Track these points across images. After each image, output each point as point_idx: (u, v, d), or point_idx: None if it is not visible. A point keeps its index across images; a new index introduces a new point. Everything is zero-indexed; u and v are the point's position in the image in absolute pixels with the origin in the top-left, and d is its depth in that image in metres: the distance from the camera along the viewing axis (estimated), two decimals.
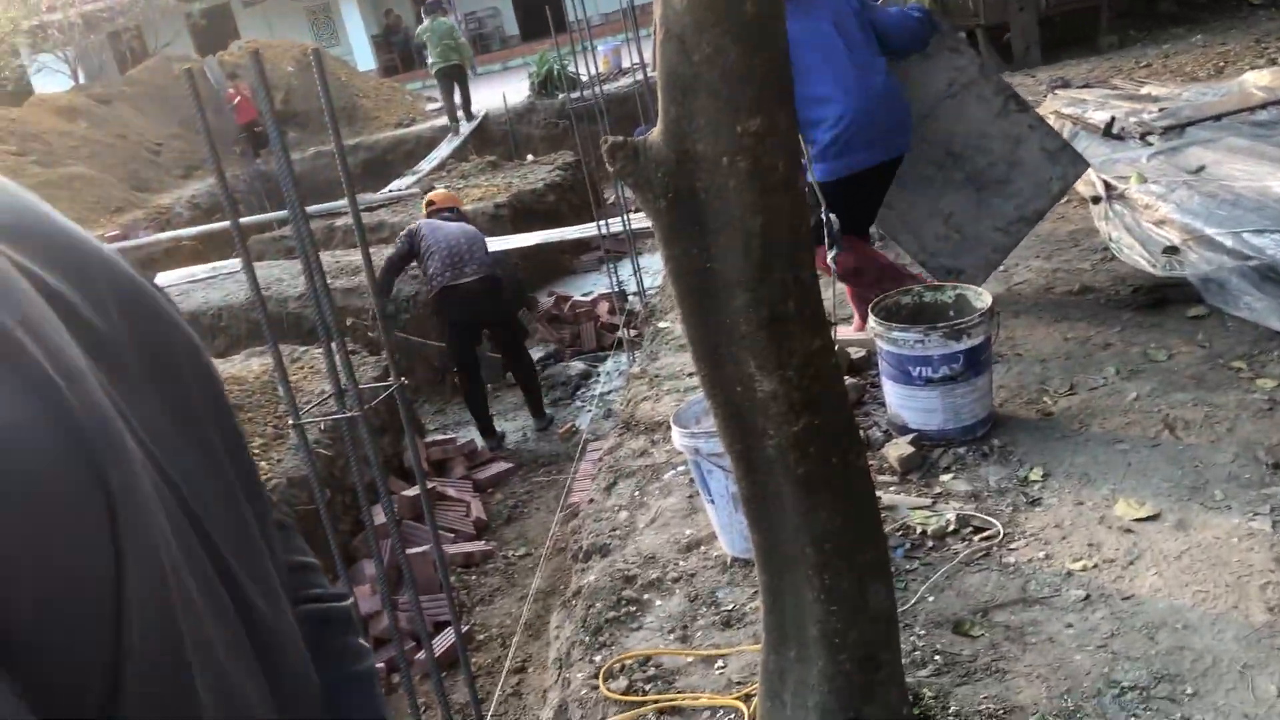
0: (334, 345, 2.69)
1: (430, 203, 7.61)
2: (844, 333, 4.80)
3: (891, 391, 3.85)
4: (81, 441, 0.56)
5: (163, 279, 9.92)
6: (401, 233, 7.36)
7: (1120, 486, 3.27)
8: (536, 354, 8.56)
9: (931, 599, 2.97)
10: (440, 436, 6.99)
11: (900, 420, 3.86)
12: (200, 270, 9.99)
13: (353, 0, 27.82)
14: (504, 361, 7.29)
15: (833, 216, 3.72)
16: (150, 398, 0.69)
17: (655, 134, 2.02)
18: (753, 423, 2.15)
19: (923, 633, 2.84)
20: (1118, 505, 3.17)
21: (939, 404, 3.70)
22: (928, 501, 3.46)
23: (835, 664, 2.25)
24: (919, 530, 3.30)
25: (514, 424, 7.53)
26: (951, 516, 3.30)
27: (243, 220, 11.68)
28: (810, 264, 2.13)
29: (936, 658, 2.72)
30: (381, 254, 8.82)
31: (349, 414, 2.65)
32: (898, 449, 3.71)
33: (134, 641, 0.57)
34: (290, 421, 2.72)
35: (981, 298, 3.80)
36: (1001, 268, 5.26)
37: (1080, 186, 5.99)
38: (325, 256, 10.09)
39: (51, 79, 23.55)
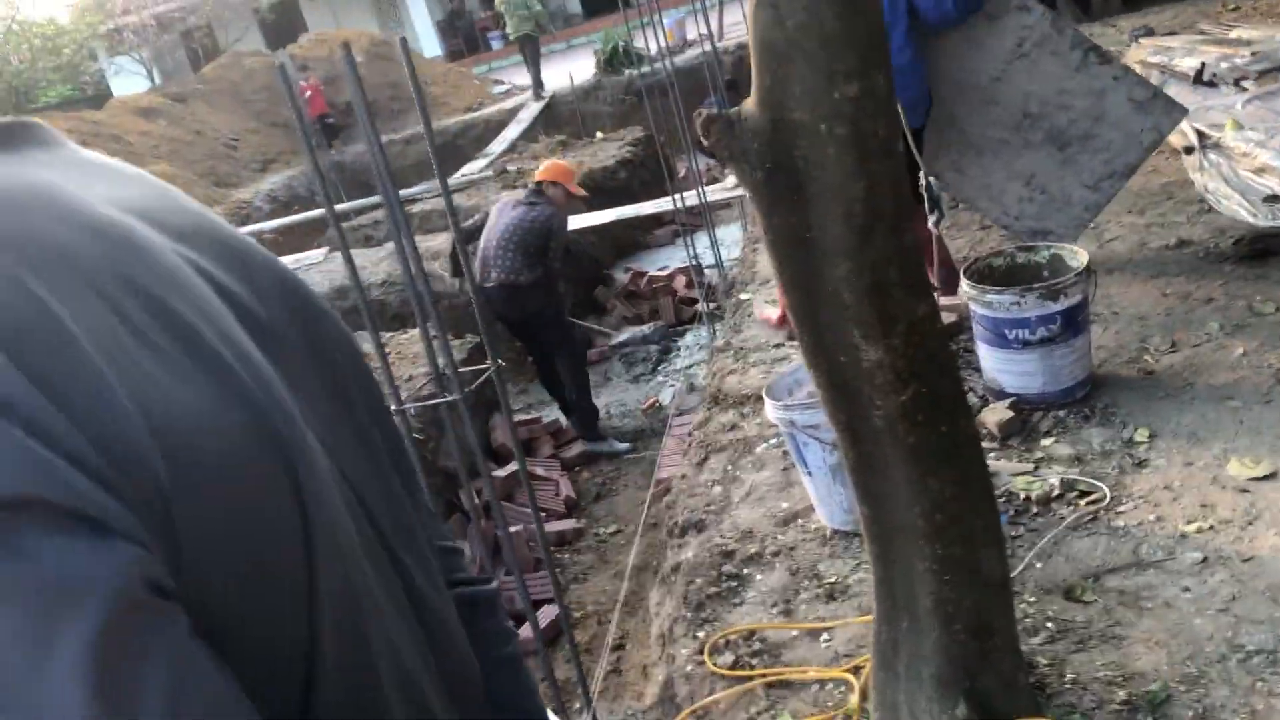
0: (430, 329, 2.71)
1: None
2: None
3: (987, 356, 3.78)
4: (268, 431, 0.58)
5: None
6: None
7: (1232, 445, 3.17)
8: (627, 333, 8.43)
9: (1039, 565, 2.92)
10: (525, 416, 7.04)
11: (997, 385, 3.78)
12: (285, 263, 10.17)
13: None
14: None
15: (932, 180, 3.64)
16: (313, 388, 0.71)
17: (749, 104, 1.99)
18: (858, 393, 2.12)
19: (1033, 600, 2.79)
20: (1230, 464, 3.07)
21: (1037, 366, 3.62)
22: (1029, 466, 3.39)
23: (949, 634, 2.22)
24: (1022, 496, 3.24)
25: (597, 401, 7.54)
26: (1055, 481, 3.23)
27: (322, 211, 11.80)
28: (911, 229, 2.09)
29: (1049, 625, 2.67)
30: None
31: (449, 398, 2.68)
32: (996, 414, 3.64)
33: (326, 623, 0.59)
34: (393, 408, 2.75)
35: (1076, 256, 3.70)
36: (1091, 225, 5.12)
37: (1171, 137, 5.79)
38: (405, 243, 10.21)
39: (129, 80, 24.15)
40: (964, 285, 3.71)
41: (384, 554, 0.71)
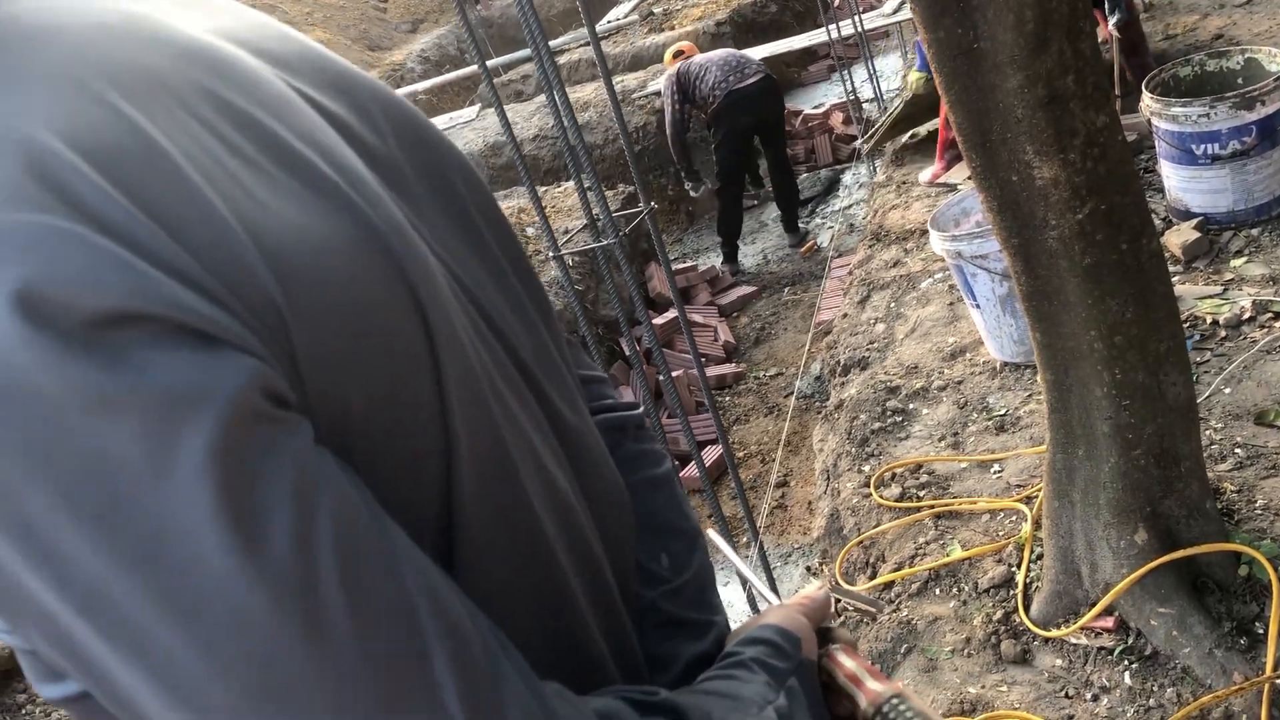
0: (585, 178, 2.70)
1: (680, 52, 7.32)
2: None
3: (1172, 174, 3.54)
4: (381, 247, 0.57)
5: None
6: (663, 89, 7.01)
7: None
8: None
9: (1228, 390, 2.78)
10: (681, 265, 7.03)
11: (1182, 205, 3.55)
12: (438, 122, 10.30)
13: None
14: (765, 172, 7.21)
15: None
16: (432, 212, 0.69)
17: None
18: (1031, 213, 2.02)
19: (1219, 426, 2.67)
20: None
21: (1228, 183, 3.37)
22: (1217, 289, 3.20)
23: (1129, 459, 2.15)
24: (1209, 320, 3.06)
25: (753, 247, 7.47)
26: (1246, 303, 3.04)
27: (472, 69, 11.81)
28: (1091, 32, 1.93)
29: (1238, 451, 2.56)
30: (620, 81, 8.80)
31: (605, 243, 2.68)
32: (1180, 235, 3.43)
33: (459, 427, 0.59)
34: (550, 254, 2.78)
35: (1276, 60, 3.38)
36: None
37: None
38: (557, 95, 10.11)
39: None
40: (1145, 99, 3.46)
41: (519, 376, 0.70)
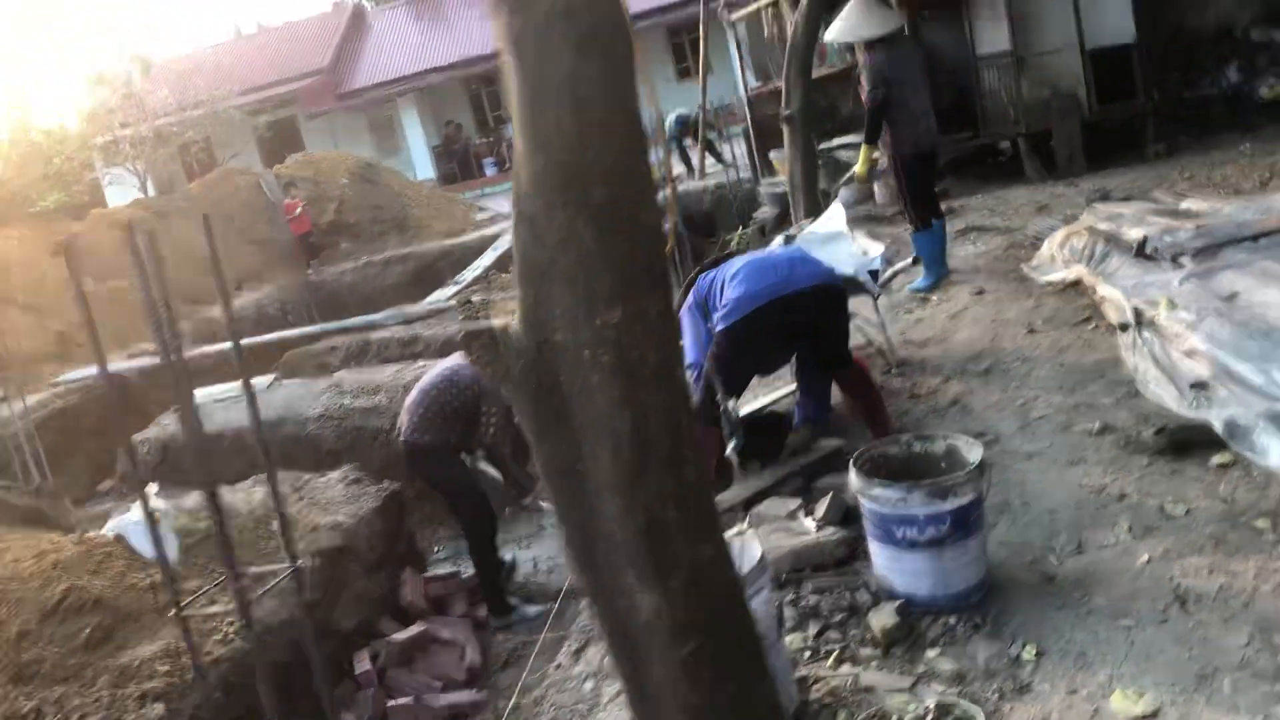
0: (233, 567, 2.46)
1: None
2: None
3: (877, 552, 3.54)
4: None
5: (197, 395, 9.90)
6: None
7: (1120, 672, 2.91)
8: None
9: None
10: (442, 571, 6.71)
11: (888, 583, 3.53)
12: (219, 390, 9.86)
13: (414, 111, 28.51)
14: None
15: (730, 404, 3.45)
16: None
17: (514, 321, 1.81)
18: (636, 643, 1.88)
19: None
20: (1114, 697, 2.81)
21: (926, 567, 3.37)
22: (908, 682, 3.12)
23: None
24: (895, 718, 2.96)
25: (526, 553, 7.24)
26: (931, 704, 2.95)
27: (275, 335, 11.51)
28: (697, 461, 1.88)
29: None
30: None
31: (244, 642, 2.42)
32: (881, 618, 3.38)
33: None
34: (171, 613, 2.51)
35: (973, 450, 3.48)
36: (1020, 400, 4.96)
37: (1110, 312, 5.67)
38: (348, 375, 9.91)
39: (123, 191, 24.33)
40: (851, 475, 3.50)
41: None
